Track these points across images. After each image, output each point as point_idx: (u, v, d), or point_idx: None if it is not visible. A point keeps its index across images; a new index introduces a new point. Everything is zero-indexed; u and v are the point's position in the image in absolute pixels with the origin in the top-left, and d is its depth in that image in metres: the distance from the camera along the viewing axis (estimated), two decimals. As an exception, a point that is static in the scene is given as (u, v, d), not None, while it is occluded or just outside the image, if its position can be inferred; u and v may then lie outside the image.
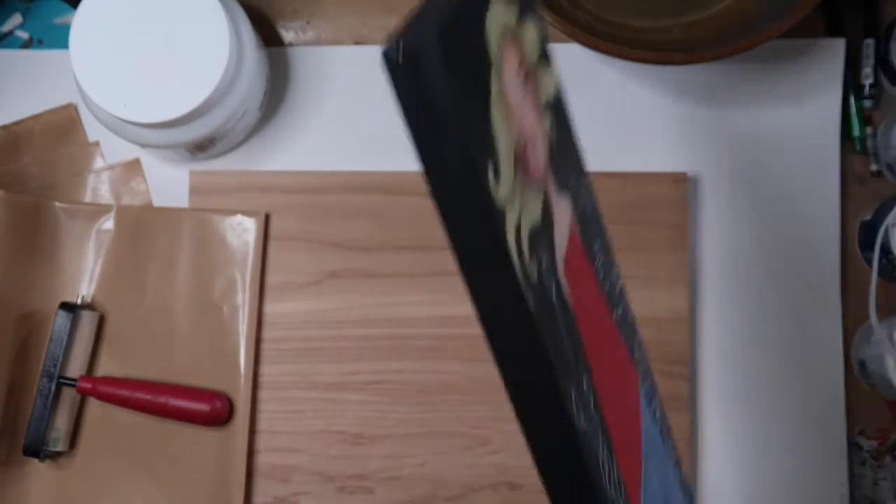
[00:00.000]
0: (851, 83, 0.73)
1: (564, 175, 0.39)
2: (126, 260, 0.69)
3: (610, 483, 0.37)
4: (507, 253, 0.32)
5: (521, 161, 0.34)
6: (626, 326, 0.44)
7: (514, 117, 0.34)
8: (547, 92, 0.38)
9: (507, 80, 0.34)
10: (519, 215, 0.33)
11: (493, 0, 0.34)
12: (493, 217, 0.31)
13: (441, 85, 0.30)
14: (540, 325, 0.34)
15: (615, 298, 0.43)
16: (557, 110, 0.39)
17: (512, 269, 0.32)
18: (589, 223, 0.41)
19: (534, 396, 0.35)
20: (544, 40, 0.38)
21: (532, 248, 0.34)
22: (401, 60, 0.29)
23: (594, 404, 0.37)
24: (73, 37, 0.61)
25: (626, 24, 0.70)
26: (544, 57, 0.38)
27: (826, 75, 0.72)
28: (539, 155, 0.36)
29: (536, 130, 0.36)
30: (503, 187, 0.32)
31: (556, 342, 0.35)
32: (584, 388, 0.36)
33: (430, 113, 0.30)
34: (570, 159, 0.40)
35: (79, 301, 0.68)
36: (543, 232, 0.35)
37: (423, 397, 0.69)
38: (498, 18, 0.34)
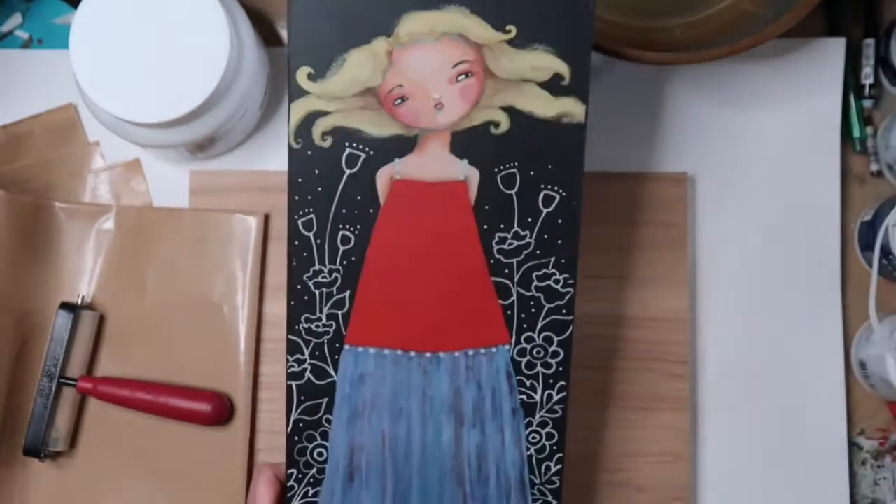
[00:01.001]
0: (851, 83, 0.73)
1: (479, 154, 0.54)
2: (126, 260, 0.69)
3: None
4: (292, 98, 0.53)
5: (380, 96, 0.53)
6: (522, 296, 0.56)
7: (393, 71, 0.52)
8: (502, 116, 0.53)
9: (408, 49, 0.52)
10: (335, 111, 0.53)
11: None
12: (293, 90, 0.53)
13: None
14: (293, 162, 0.54)
15: (509, 268, 0.55)
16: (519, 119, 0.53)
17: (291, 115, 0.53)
18: (503, 208, 0.55)
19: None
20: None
21: (331, 133, 0.53)
22: None
23: (350, 251, 0.55)
24: (73, 37, 0.61)
25: (626, 24, 0.70)
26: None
27: (826, 75, 0.72)
28: (418, 110, 0.53)
29: (430, 97, 0.53)
30: (320, 87, 0.52)
31: (310, 181, 0.54)
32: (340, 238, 0.54)
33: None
34: (498, 154, 0.54)
35: (79, 301, 0.68)
36: (371, 141, 0.53)
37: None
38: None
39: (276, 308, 0.70)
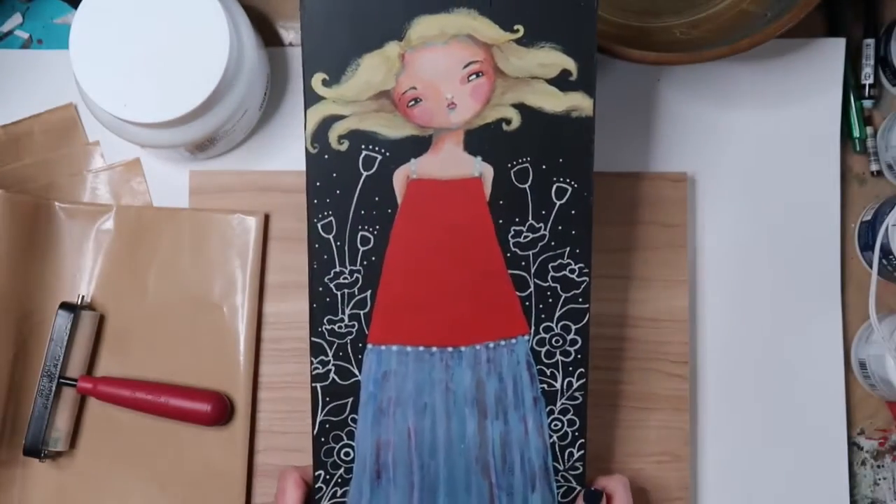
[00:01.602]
0: (851, 83, 0.73)
1: (492, 151, 0.55)
2: (126, 260, 0.69)
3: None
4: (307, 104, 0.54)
5: (394, 99, 0.54)
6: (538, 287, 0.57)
7: (406, 74, 0.53)
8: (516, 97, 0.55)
9: (419, 52, 0.53)
10: (351, 115, 0.54)
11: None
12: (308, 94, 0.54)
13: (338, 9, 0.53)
14: (311, 167, 0.54)
15: (525, 260, 0.56)
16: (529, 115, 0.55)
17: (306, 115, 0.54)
18: (517, 202, 0.56)
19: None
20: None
21: (347, 137, 0.54)
22: None
23: (370, 249, 0.56)
24: (73, 37, 0.61)
25: (626, 24, 0.70)
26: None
27: (826, 75, 0.72)
28: (431, 111, 0.54)
29: (443, 97, 0.54)
30: (335, 91, 0.53)
31: (329, 184, 0.55)
32: (360, 236, 0.55)
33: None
34: (508, 150, 0.55)
35: (79, 301, 0.68)
36: (386, 143, 0.54)
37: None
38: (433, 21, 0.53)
39: (276, 308, 0.70)
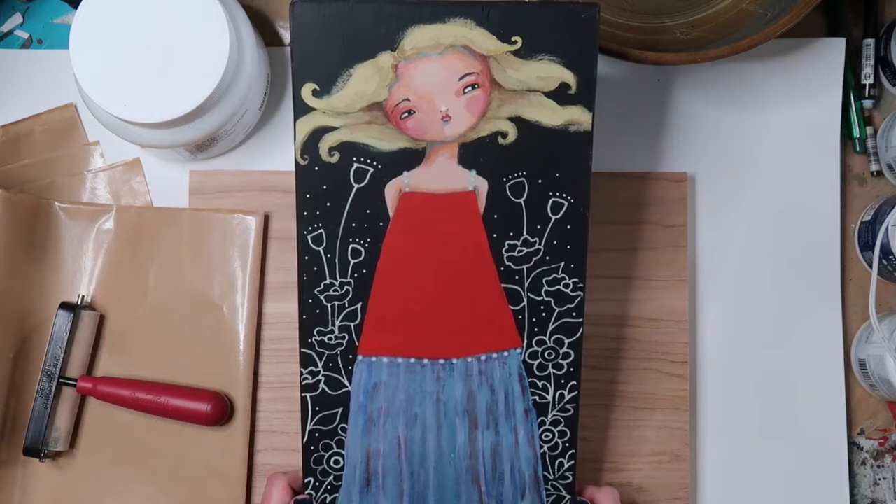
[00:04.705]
0: (851, 83, 0.73)
1: (487, 165, 0.54)
2: (126, 260, 0.69)
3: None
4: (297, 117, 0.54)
5: (386, 110, 0.53)
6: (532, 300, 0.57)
7: (399, 85, 0.53)
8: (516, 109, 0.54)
9: (413, 63, 0.52)
10: (342, 126, 0.53)
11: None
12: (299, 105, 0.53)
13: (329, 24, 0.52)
14: (301, 178, 0.54)
15: (519, 274, 0.56)
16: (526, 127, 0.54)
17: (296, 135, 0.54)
18: (512, 216, 0.55)
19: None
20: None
21: (338, 149, 0.54)
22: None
23: (362, 260, 0.55)
24: (73, 37, 0.61)
25: (626, 24, 0.70)
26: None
27: (826, 75, 0.72)
28: (425, 123, 0.53)
29: (437, 110, 0.53)
30: (325, 102, 0.53)
31: (319, 196, 0.55)
32: (350, 247, 0.55)
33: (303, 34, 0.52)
34: (503, 166, 0.54)
35: (79, 301, 0.68)
36: (378, 155, 0.54)
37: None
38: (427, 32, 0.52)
39: (276, 308, 0.70)
